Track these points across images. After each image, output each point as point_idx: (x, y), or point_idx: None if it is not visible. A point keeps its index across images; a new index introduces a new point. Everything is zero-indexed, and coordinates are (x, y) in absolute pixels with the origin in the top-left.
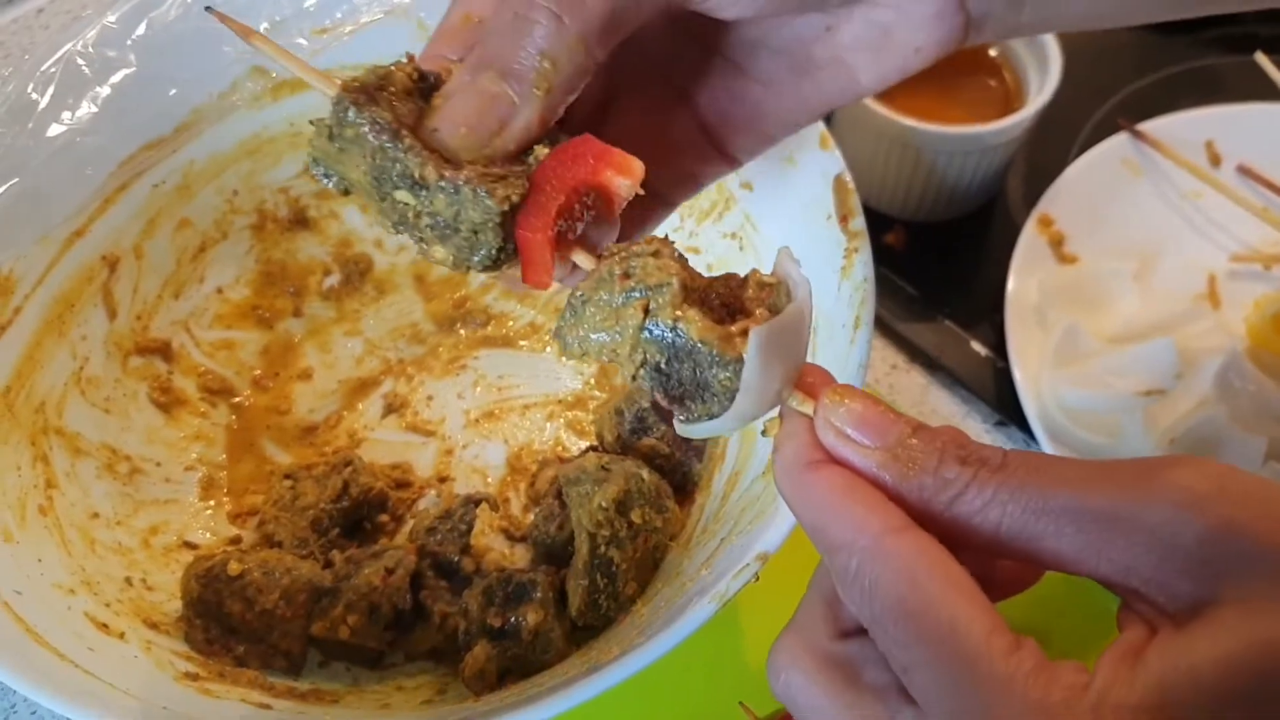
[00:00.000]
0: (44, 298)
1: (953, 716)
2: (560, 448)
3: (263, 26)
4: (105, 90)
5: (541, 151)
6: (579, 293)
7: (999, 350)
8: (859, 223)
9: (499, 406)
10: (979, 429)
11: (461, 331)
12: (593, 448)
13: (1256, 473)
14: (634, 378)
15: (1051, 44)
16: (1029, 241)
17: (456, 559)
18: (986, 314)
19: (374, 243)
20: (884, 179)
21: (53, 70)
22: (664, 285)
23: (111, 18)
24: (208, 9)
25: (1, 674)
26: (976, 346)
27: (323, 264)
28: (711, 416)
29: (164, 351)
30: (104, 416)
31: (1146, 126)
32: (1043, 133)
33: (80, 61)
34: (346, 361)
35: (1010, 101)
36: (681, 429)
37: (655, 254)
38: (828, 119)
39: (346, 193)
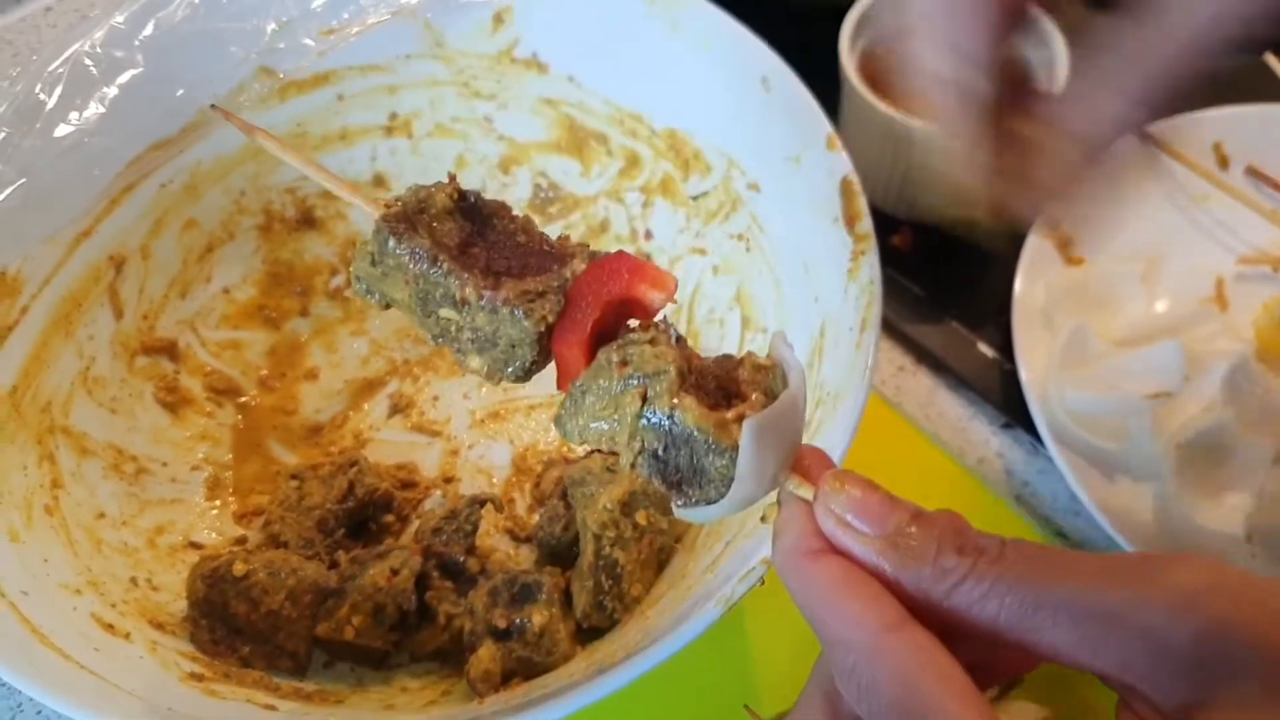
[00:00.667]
0: (51, 298)
1: None
2: (565, 449)
3: (270, 28)
4: (113, 91)
5: (578, 266)
6: (579, 383)
7: (1006, 352)
8: (866, 225)
9: (504, 407)
10: (985, 431)
11: None
12: (597, 449)
13: (1265, 475)
14: (633, 465)
15: (1059, 46)
16: (1036, 243)
17: (462, 559)
18: (993, 315)
19: None
20: (890, 180)
21: (60, 70)
22: (661, 373)
23: (119, 18)
24: (213, 107)
25: (7, 675)
26: (983, 348)
27: (329, 264)
28: (709, 502)
29: (170, 351)
30: (110, 416)
31: (1154, 128)
32: None
33: (88, 62)
34: (352, 361)
35: None
36: (679, 512)
37: (652, 341)
38: (835, 116)
39: (388, 307)
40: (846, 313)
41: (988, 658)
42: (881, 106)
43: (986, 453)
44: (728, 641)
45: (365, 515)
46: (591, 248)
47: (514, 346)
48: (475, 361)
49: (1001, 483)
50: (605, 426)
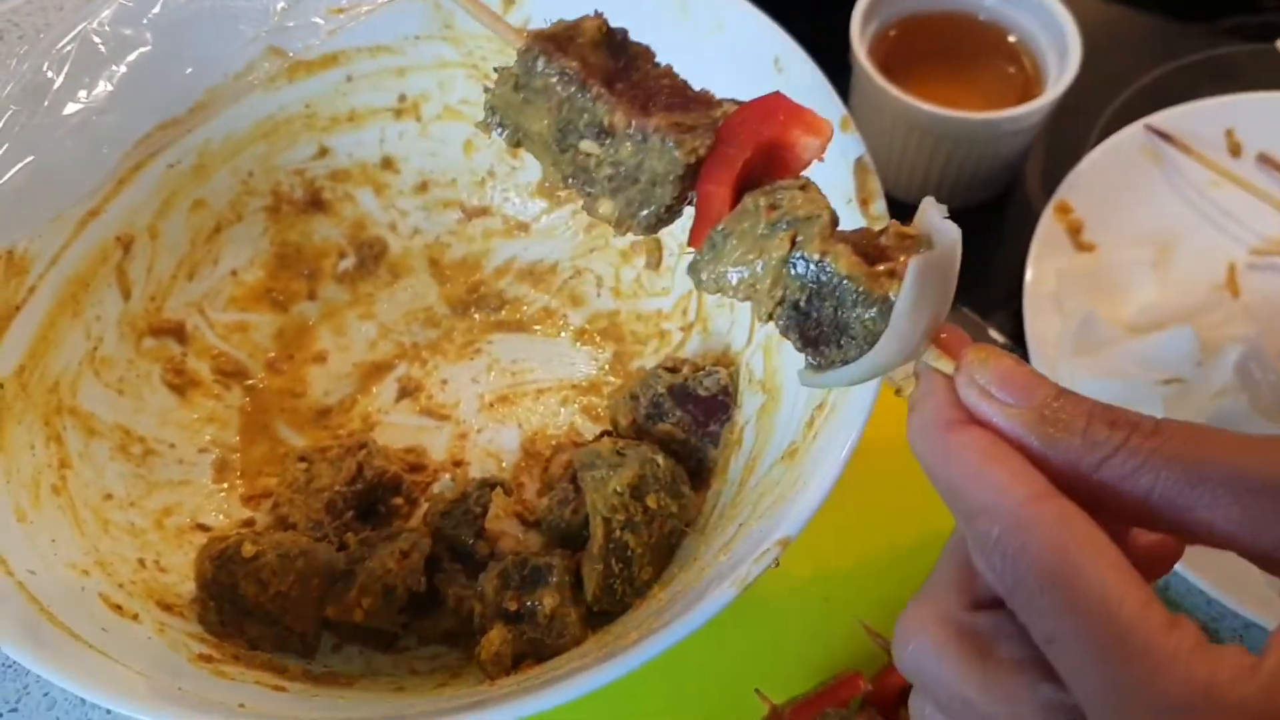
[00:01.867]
0: (57, 277)
1: (1103, 691)
2: (574, 433)
3: (279, 6)
4: (121, 69)
5: (730, 109)
6: (720, 227)
7: (1016, 338)
8: (880, 206)
9: (513, 391)
10: None
11: (476, 316)
12: (606, 433)
13: None
14: (770, 316)
15: (1071, 31)
16: (1047, 229)
17: (471, 542)
18: (1004, 301)
19: (388, 226)
20: (901, 164)
21: (68, 49)
22: (813, 218)
23: None
24: None
25: (16, 654)
26: (994, 334)
27: (337, 246)
28: (846, 362)
29: (178, 333)
30: (117, 397)
31: (1166, 115)
32: (1060, 120)
33: (96, 40)
34: (361, 345)
35: (1029, 88)
36: (809, 378)
37: (803, 188)
38: (845, 102)
39: (517, 145)
40: None
41: (1123, 546)
42: (893, 91)
43: None
44: (738, 625)
45: (374, 498)
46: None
47: (654, 185)
48: (606, 206)
49: None
50: (745, 273)
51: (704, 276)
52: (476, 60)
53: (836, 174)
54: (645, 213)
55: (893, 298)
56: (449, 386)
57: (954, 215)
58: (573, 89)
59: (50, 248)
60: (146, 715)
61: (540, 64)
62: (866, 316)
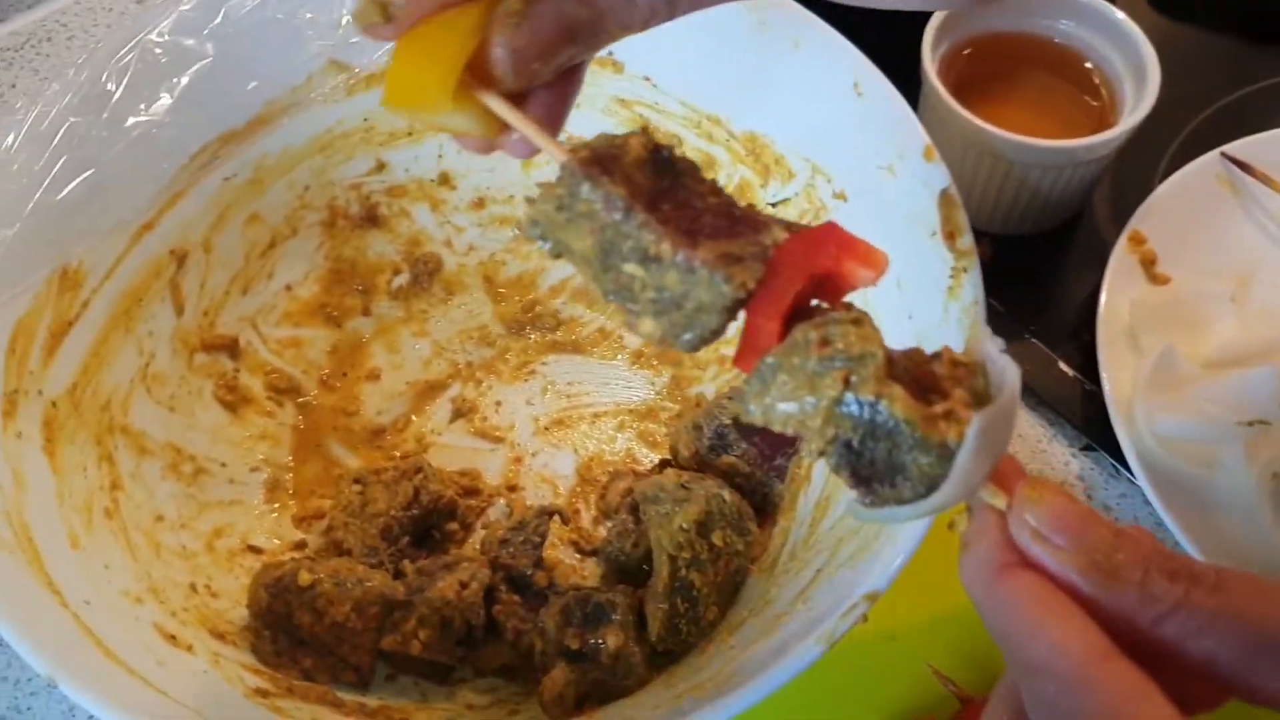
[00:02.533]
0: (112, 292)
1: None
2: (631, 459)
3: (344, 19)
4: (183, 80)
5: (780, 234)
6: (770, 359)
7: (1085, 371)
8: (967, 240)
9: (568, 414)
10: (1064, 453)
11: (531, 335)
12: (666, 462)
13: None
14: (821, 453)
15: (1150, 58)
16: (1120, 260)
17: (529, 572)
18: (1073, 333)
19: (444, 242)
20: (971, 190)
21: (128, 59)
22: (867, 356)
23: (187, 5)
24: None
25: (74, 693)
26: (1063, 367)
27: (392, 263)
28: (900, 502)
29: (230, 349)
30: (169, 415)
31: (1243, 144)
32: (1130, 145)
33: (158, 50)
34: (414, 363)
35: (1103, 115)
36: (860, 512)
37: (856, 322)
38: None
39: (559, 256)
40: (947, 333)
41: (1180, 688)
42: (966, 114)
43: (1067, 475)
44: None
45: (429, 523)
46: (786, 219)
47: (700, 311)
48: (649, 325)
49: None
50: (795, 409)
51: (751, 407)
52: None
53: (920, 204)
54: (689, 336)
55: (951, 444)
56: (503, 408)
57: (1022, 243)
58: (617, 214)
59: (104, 261)
60: None
61: (584, 188)
62: (924, 461)
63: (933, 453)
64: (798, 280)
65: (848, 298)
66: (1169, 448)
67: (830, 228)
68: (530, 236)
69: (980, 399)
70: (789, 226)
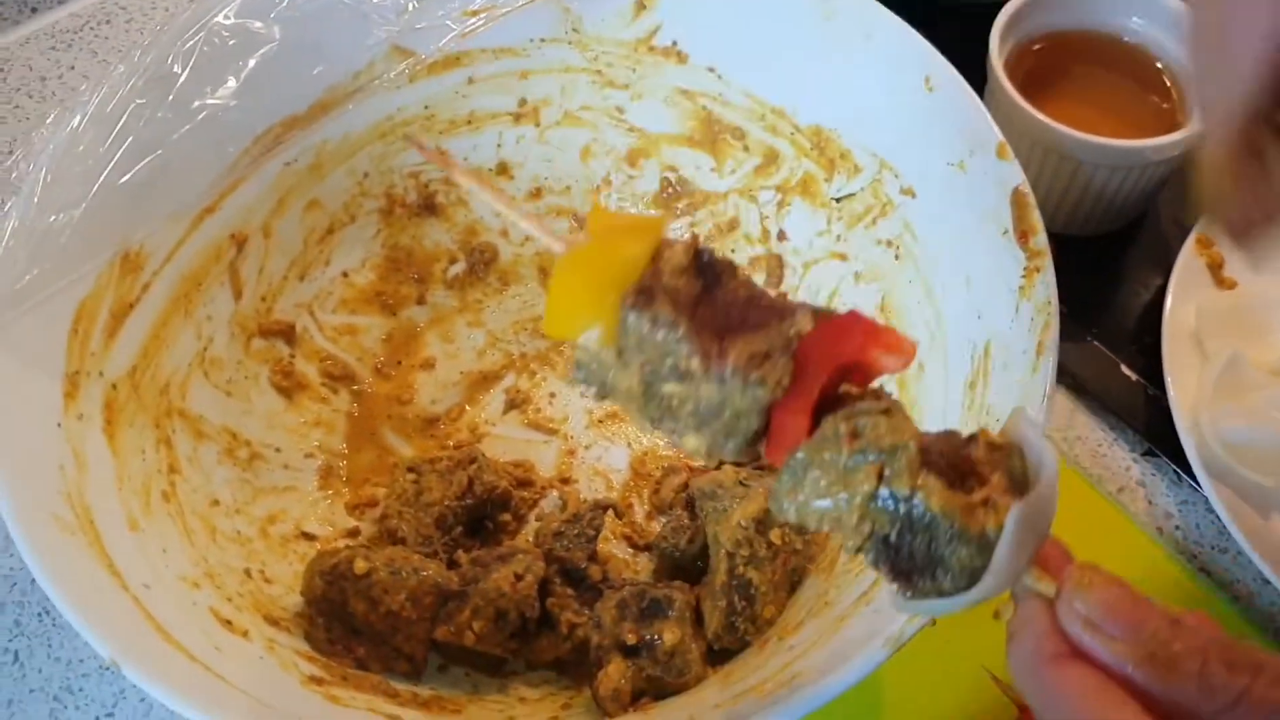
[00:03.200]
0: (172, 275)
1: None
2: (684, 455)
3: (411, 5)
4: (250, 64)
5: (805, 324)
6: (800, 455)
7: (1148, 375)
8: (1041, 240)
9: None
10: (1125, 458)
11: None
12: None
13: None
14: (859, 549)
15: None
16: (1187, 263)
17: (583, 566)
18: (1136, 337)
19: (499, 232)
20: (1035, 188)
21: (194, 41)
22: (900, 449)
23: None
24: (405, 137)
25: (140, 680)
26: (1126, 371)
27: (448, 251)
28: (941, 595)
29: (287, 334)
30: (225, 399)
31: None
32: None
33: (225, 33)
34: (469, 353)
35: (1173, 116)
36: (901, 604)
37: (886, 412)
38: None
39: (604, 398)
40: (1019, 334)
41: None
42: (1031, 110)
43: (1127, 481)
44: None
45: (482, 513)
46: (814, 305)
47: (738, 417)
48: (693, 441)
49: (1143, 513)
50: (829, 505)
51: (784, 505)
52: (601, 66)
53: (991, 202)
54: (733, 443)
55: (990, 534)
56: (557, 400)
57: (1085, 243)
58: (665, 331)
59: (165, 244)
60: None
61: (631, 319)
62: (963, 553)
63: (972, 544)
64: (824, 372)
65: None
66: (1236, 455)
67: (854, 317)
68: (575, 380)
69: (1018, 482)
70: (815, 314)
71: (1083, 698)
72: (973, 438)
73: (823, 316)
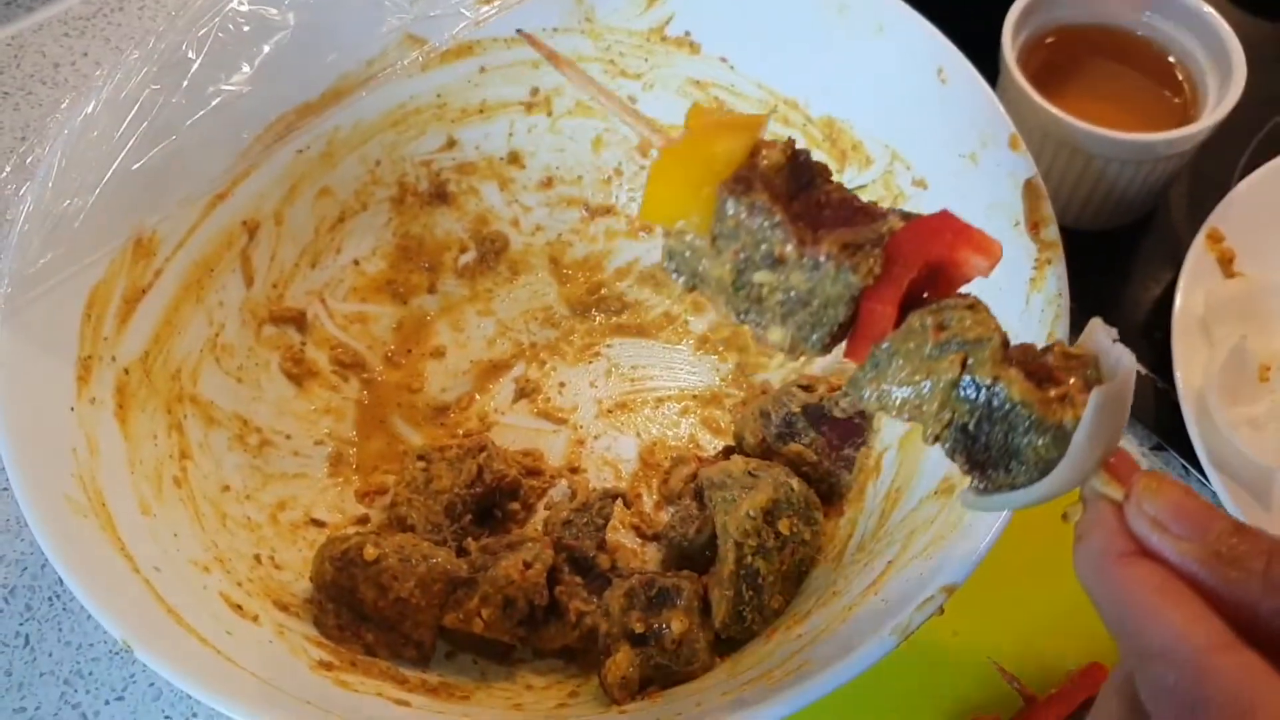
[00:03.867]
0: (184, 261)
1: None
2: (694, 445)
3: None
4: (264, 50)
5: (896, 223)
6: (885, 345)
7: (1157, 369)
8: (1052, 231)
9: (632, 398)
10: (1134, 452)
11: (596, 318)
12: (731, 449)
13: None
14: (936, 438)
15: (1236, 53)
16: (1198, 257)
17: (592, 555)
18: (1145, 330)
19: (510, 222)
20: (1046, 181)
21: (209, 28)
22: (984, 341)
23: None
24: (519, 31)
25: (152, 661)
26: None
27: (459, 240)
28: (1013, 487)
29: (298, 321)
30: (236, 385)
31: None
32: (1209, 144)
33: (240, 19)
34: (479, 342)
35: (1185, 110)
36: (973, 500)
37: (971, 308)
38: None
39: (693, 289)
40: (1029, 325)
41: None
42: (1043, 103)
43: None
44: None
45: (491, 502)
46: (904, 210)
47: (826, 306)
48: (777, 333)
49: None
50: (910, 394)
51: (866, 393)
52: (614, 56)
53: (1003, 194)
54: (818, 334)
55: (1067, 425)
56: (567, 390)
57: (1095, 238)
58: (760, 218)
59: (178, 230)
60: None
61: (729, 204)
62: (1040, 443)
63: (1049, 434)
64: (914, 266)
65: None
66: (1241, 436)
67: (945, 216)
68: (666, 268)
69: (1093, 387)
70: (905, 216)
71: (1148, 590)
72: (1049, 348)
73: (914, 217)
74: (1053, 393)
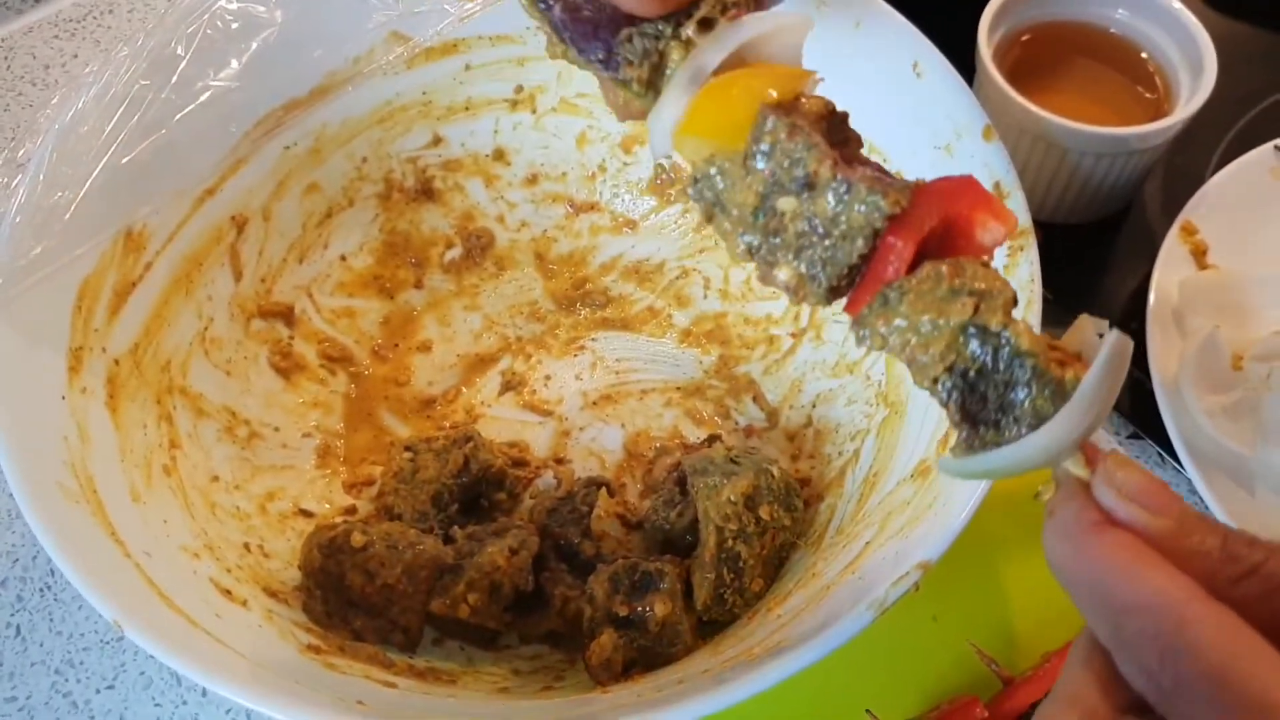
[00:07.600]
0: (174, 255)
1: None
2: (678, 436)
3: None
4: (252, 46)
5: (919, 183)
6: (896, 284)
7: (1133, 360)
8: (1025, 219)
9: (616, 390)
10: (1111, 441)
11: (581, 312)
12: (714, 437)
13: None
14: (934, 381)
15: (1208, 50)
16: (1171, 249)
17: (577, 541)
18: (1121, 322)
19: (496, 218)
20: (1023, 177)
21: (197, 24)
22: (996, 292)
23: None
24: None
25: (142, 641)
26: None
27: (445, 236)
28: (998, 445)
29: (286, 316)
30: (225, 378)
31: None
32: (1181, 138)
33: (229, 16)
34: (465, 336)
35: (1158, 106)
36: (954, 464)
37: (985, 264)
38: None
39: (710, 219)
40: None
41: None
42: (1019, 98)
43: None
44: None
45: (478, 491)
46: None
47: (845, 238)
48: (785, 271)
49: None
50: (916, 333)
51: (871, 329)
52: None
53: None
54: (828, 272)
55: (1068, 382)
56: (552, 382)
57: (1072, 232)
58: (798, 139)
59: (168, 225)
60: (263, 705)
61: (770, 121)
62: (1039, 397)
63: (1049, 388)
64: (936, 214)
65: None
66: (1217, 425)
67: (970, 179)
68: (689, 193)
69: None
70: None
71: (1123, 551)
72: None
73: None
74: (1055, 355)
